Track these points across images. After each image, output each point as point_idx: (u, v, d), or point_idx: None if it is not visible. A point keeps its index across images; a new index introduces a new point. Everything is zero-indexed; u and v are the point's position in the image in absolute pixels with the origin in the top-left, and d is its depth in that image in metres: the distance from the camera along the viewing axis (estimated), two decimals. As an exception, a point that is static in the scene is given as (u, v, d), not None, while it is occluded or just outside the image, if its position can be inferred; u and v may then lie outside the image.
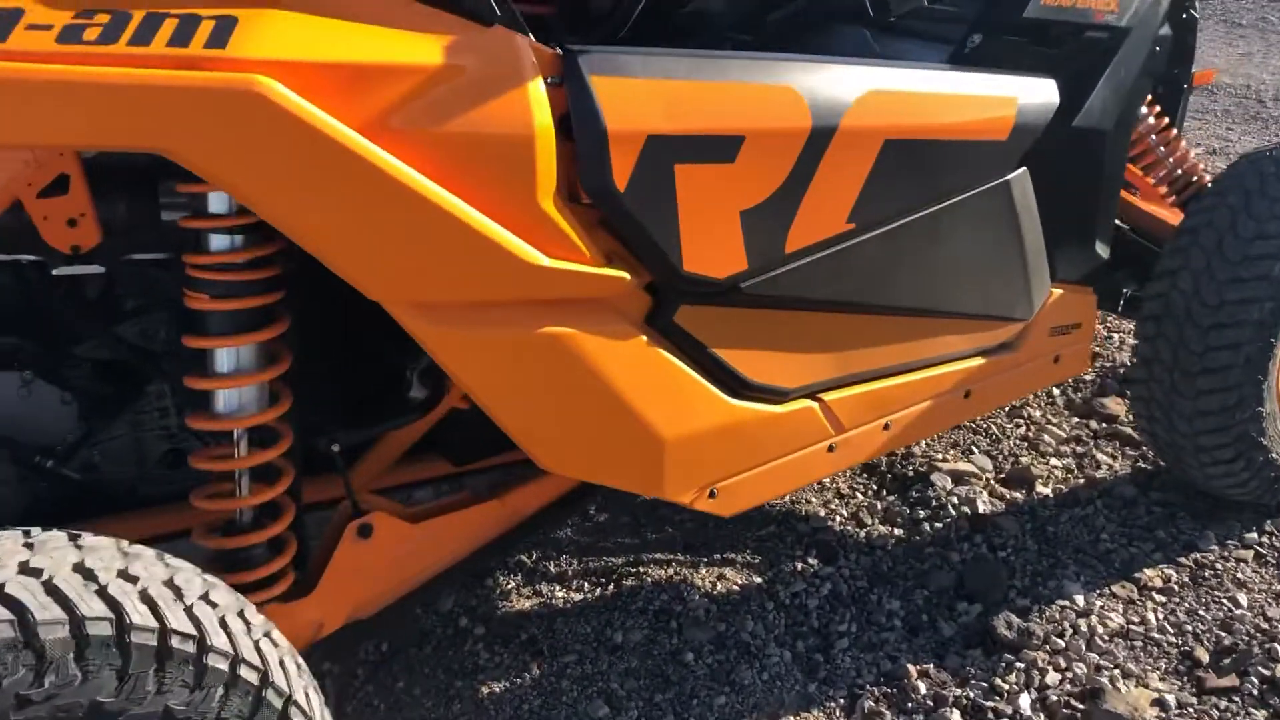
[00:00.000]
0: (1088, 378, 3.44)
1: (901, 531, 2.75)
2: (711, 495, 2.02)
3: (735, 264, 1.84)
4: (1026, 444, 3.12)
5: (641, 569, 2.62)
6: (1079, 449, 3.09)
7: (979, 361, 2.34)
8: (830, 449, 2.16)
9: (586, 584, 2.59)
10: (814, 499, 2.88)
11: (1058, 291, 2.44)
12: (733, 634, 2.41)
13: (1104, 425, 3.20)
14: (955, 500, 2.84)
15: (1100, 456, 3.05)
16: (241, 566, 1.69)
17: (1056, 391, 3.39)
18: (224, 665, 1.25)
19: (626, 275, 1.72)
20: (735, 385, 1.96)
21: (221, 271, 1.56)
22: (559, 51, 1.63)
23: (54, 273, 1.63)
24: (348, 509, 1.86)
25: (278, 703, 1.31)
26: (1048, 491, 2.89)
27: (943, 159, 2.04)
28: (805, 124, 1.83)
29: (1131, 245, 2.86)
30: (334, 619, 1.84)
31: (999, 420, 3.22)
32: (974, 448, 3.09)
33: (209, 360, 1.61)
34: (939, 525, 2.75)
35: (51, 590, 1.14)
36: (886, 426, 2.24)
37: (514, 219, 1.58)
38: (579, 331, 1.71)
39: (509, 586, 2.59)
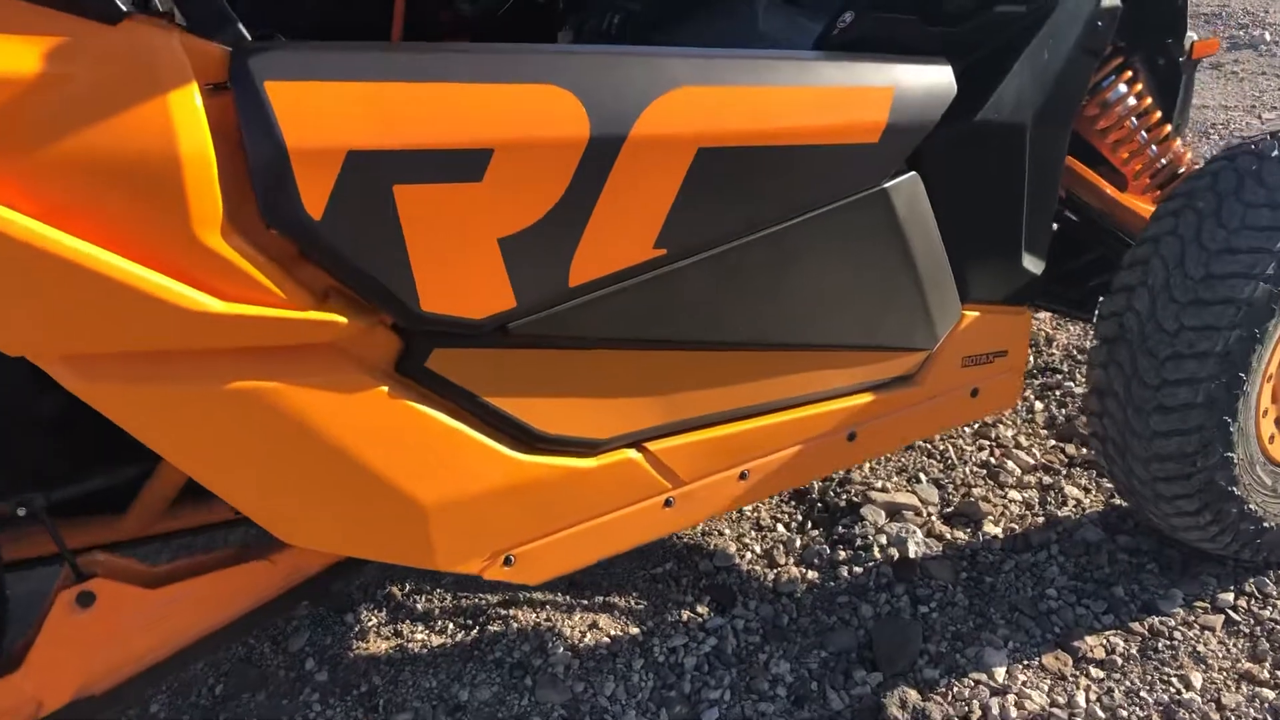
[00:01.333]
0: (1079, 390, 3.00)
1: (816, 575, 2.38)
2: (507, 563, 1.71)
3: (498, 301, 1.51)
4: (985, 471, 2.71)
5: (513, 610, 2.32)
6: (1046, 479, 2.67)
7: (865, 399, 1.96)
8: (668, 504, 1.82)
9: (451, 625, 2.31)
10: (727, 530, 2.54)
11: (972, 315, 2.03)
12: (589, 697, 2.10)
13: (1082, 452, 2.76)
14: (884, 540, 2.46)
15: (1070, 490, 2.62)
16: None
17: (1039, 407, 2.96)
18: None
19: (342, 319, 1.41)
20: (523, 438, 1.64)
21: None
22: (228, 50, 1.31)
23: None
24: (67, 573, 1.61)
25: None
26: (996, 531, 2.49)
27: (786, 168, 1.67)
28: (581, 132, 1.48)
29: (1108, 241, 2.43)
30: (55, 697, 1.60)
31: (959, 441, 2.82)
32: (922, 474, 2.69)
33: None
34: (859, 570, 2.38)
35: None
36: (743, 476, 1.89)
37: (163, 256, 1.28)
38: (293, 383, 1.42)
39: (368, 624, 2.33)
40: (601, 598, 2.35)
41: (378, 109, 1.36)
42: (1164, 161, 2.41)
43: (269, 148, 1.30)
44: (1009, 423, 2.90)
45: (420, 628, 2.31)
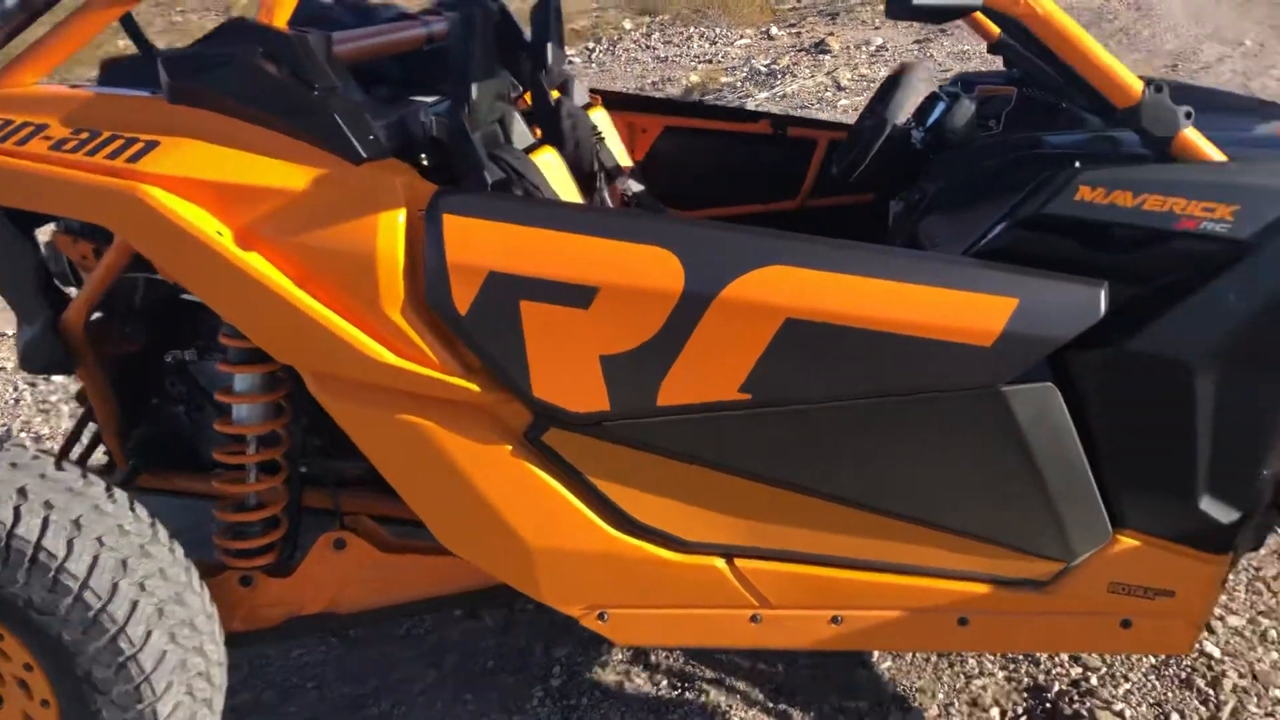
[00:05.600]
0: None
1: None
2: (601, 618, 2.00)
3: (595, 402, 1.83)
4: (1250, 737, 2.33)
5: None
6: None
7: (980, 588, 1.91)
8: (754, 619, 1.98)
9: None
10: (941, 694, 2.49)
11: (1129, 542, 1.87)
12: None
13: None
14: (1077, 757, 2.26)
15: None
16: (239, 536, 2.16)
17: None
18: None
19: (474, 386, 1.85)
20: (618, 518, 1.93)
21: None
22: (433, 189, 1.83)
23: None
24: (336, 525, 2.23)
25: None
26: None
27: (880, 352, 1.77)
28: (676, 287, 1.77)
29: None
30: (310, 604, 2.22)
31: (1248, 697, 2.43)
32: (1176, 714, 2.39)
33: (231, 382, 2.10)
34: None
35: None
36: (836, 620, 1.96)
37: (363, 320, 1.83)
38: (445, 427, 1.88)
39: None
40: None
41: (516, 244, 1.79)
42: None
43: (435, 259, 1.79)
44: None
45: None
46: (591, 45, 12.13)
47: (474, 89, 2.03)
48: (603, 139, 2.78)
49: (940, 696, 2.47)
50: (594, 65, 11.33)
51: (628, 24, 12.59)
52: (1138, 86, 1.75)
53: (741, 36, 11.29)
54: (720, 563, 1.95)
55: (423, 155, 2.12)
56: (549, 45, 2.63)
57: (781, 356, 1.78)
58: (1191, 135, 1.77)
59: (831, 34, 10.56)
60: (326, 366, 1.87)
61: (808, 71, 9.43)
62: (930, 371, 1.79)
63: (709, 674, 2.57)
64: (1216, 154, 1.78)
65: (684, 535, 1.94)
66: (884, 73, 9.26)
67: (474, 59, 2.05)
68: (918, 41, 10.11)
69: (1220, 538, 1.87)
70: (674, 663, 2.61)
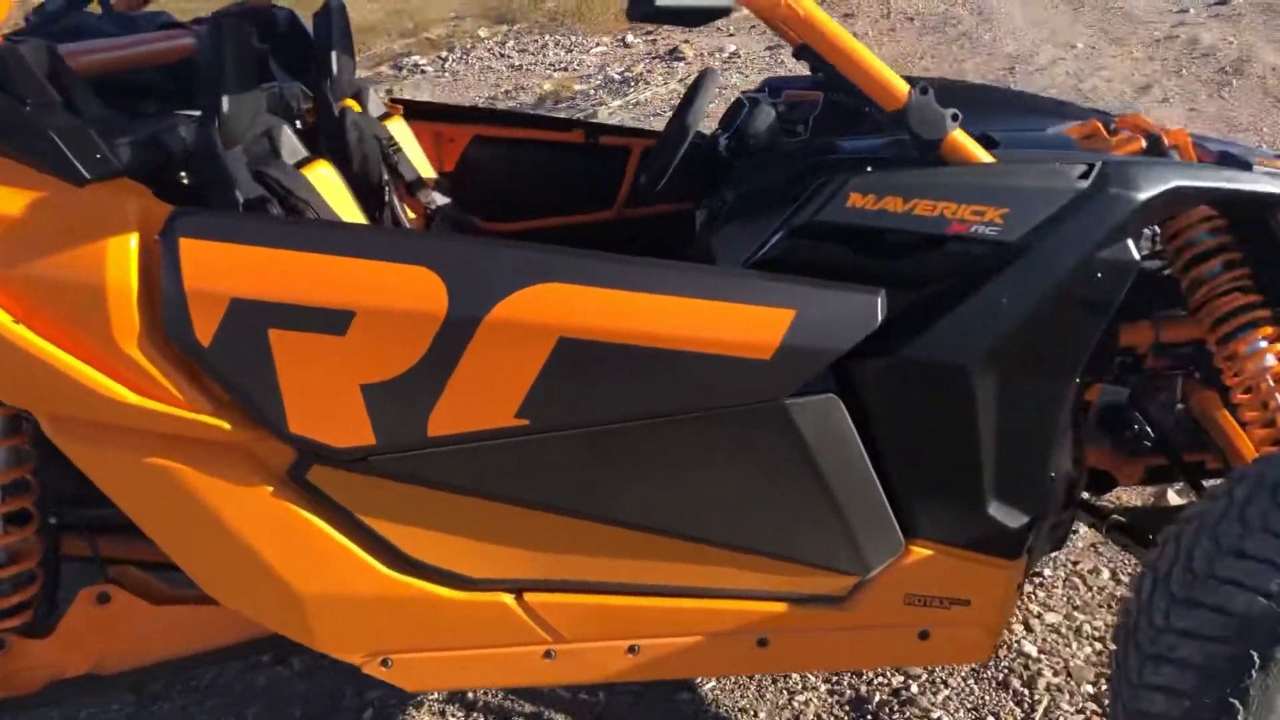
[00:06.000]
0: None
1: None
2: (385, 664, 1.88)
3: (359, 436, 1.71)
4: (1064, 736, 2.33)
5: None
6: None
7: (777, 608, 1.85)
8: (548, 655, 1.87)
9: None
10: (763, 710, 2.43)
11: (922, 552, 1.83)
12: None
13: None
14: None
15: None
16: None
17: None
18: None
19: (225, 424, 1.70)
20: (394, 558, 1.81)
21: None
22: (169, 210, 1.68)
23: None
24: (98, 576, 2.04)
25: None
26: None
27: (659, 369, 1.69)
28: (439, 309, 1.66)
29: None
30: (74, 666, 2.03)
31: (1060, 695, 2.43)
32: (993, 717, 2.38)
33: None
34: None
35: None
36: (633, 650, 1.87)
37: (97, 356, 1.66)
38: (197, 469, 1.73)
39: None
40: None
41: (262, 268, 1.65)
42: (1289, 425, 1.98)
43: (173, 286, 1.64)
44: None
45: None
46: (445, 54, 11.93)
47: (225, 101, 1.88)
48: (399, 150, 2.66)
49: (763, 714, 2.41)
50: (447, 74, 11.13)
51: (483, 32, 12.42)
52: (904, 90, 1.71)
53: (598, 44, 11.24)
54: (508, 598, 1.85)
55: (183, 174, 1.96)
56: (334, 54, 2.49)
57: (557, 378, 1.69)
58: (960, 138, 1.73)
59: (687, 41, 10.59)
60: (61, 408, 1.70)
61: (661, 79, 9.42)
62: (711, 388, 1.71)
63: (528, 708, 2.46)
64: (985, 156, 1.75)
65: (467, 572, 1.82)
66: (736, 79, 9.32)
67: (226, 69, 1.90)
68: (770, 48, 10.21)
69: (1011, 543, 1.84)
70: (491, 699, 2.49)
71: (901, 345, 1.73)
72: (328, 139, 2.40)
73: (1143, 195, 1.72)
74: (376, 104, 2.73)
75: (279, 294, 1.65)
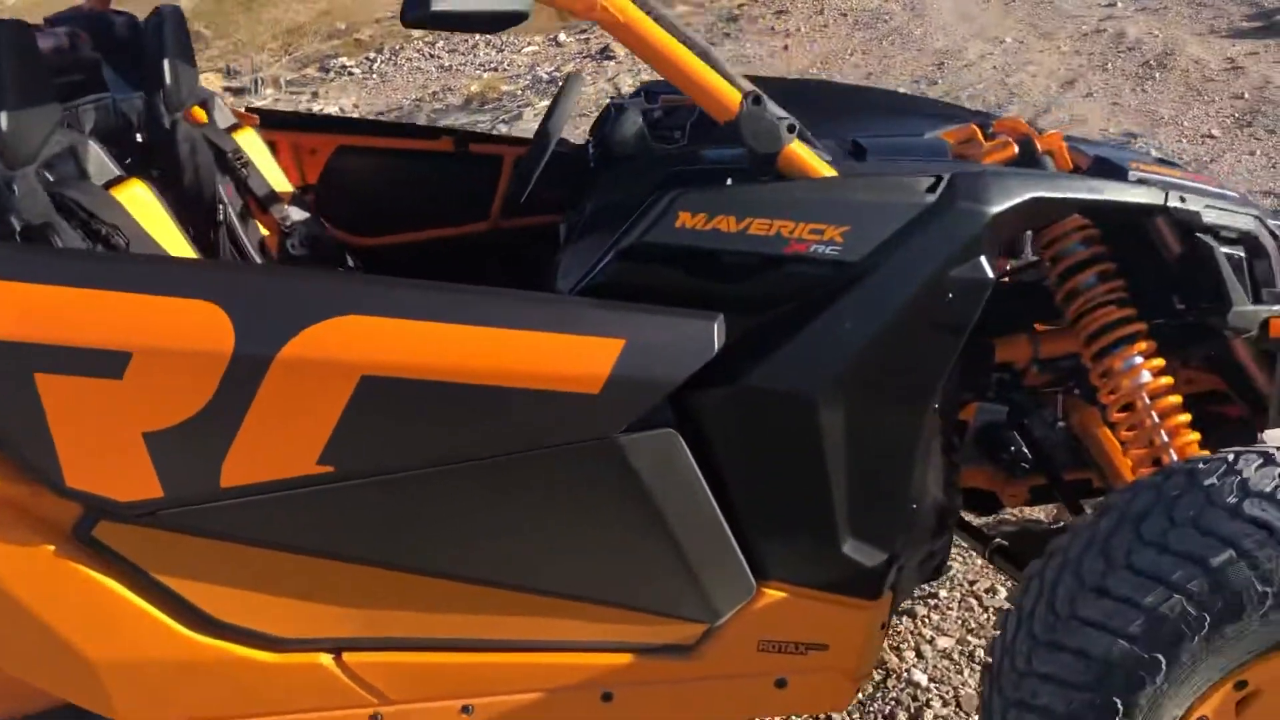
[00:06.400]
0: None
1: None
2: (199, 733, 1.72)
3: (145, 489, 1.54)
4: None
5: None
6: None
7: (622, 659, 1.71)
8: (374, 718, 1.72)
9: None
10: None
11: (775, 595, 1.70)
12: None
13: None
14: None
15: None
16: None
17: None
18: None
19: (-7, 480, 1.53)
20: (196, 619, 1.64)
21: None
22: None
23: None
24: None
25: None
26: None
27: (477, 407, 1.54)
28: (225, 348, 1.50)
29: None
30: None
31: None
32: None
33: None
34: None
35: None
36: (467, 710, 1.72)
37: None
38: (-31, 529, 1.56)
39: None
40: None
41: (26, 306, 1.48)
42: (1173, 453, 1.87)
43: None
44: None
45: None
46: (373, 55, 11.72)
47: (4, 119, 1.70)
48: (248, 164, 2.49)
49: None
50: (375, 76, 10.92)
51: (415, 32, 12.23)
52: (736, 99, 1.57)
53: (529, 44, 11.08)
54: (326, 659, 1.69)
55: None
56: (166, 63, 2.31)
57: (363, 421, 1.53)
58: (799, 150, 1.60)
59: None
60: None
61: (590, 78, 9.28)
62: (536, 426, 1.57)
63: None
64: (827, 170, 1.62)
65: (278, 632, 1.66)
66: (664, 77, 9.19)
67: (5, 82, 1.72)
68: (711, 45, 10.12)
69: (871, 582, 1.71)
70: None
71: (742, 374, 1.60)
72: (158, 153, 2.23)
73: (994, 208, 1.60)
74: (225, 114, 2.56)
75: (45, 334, 1.48)
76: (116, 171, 1.98)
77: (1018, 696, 1.57)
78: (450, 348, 1.53)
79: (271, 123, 2.75)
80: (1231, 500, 1.50)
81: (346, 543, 1.61)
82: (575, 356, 1.55)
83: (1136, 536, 1.54)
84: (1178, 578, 1.48)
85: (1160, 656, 1.48)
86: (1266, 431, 2.00)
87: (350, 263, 2.71)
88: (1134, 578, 1.51)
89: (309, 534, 1.60)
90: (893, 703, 2.34)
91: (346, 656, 1.69)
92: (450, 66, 10.84)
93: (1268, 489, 1.50)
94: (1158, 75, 6.93)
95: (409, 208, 2.81)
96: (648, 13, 1.59)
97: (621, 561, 1.66)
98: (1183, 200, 1.73)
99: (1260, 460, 1.55)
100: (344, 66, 11.25)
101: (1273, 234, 1.90)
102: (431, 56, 11.12)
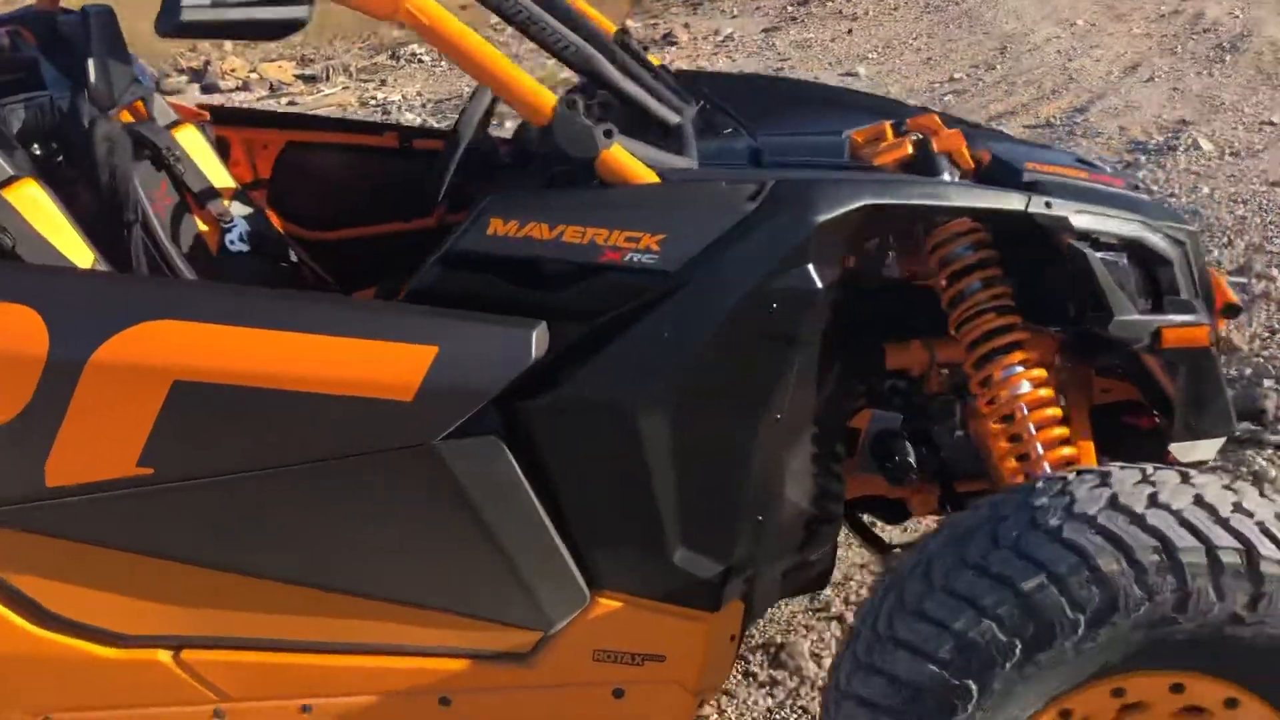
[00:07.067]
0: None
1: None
2: (48, 723, 1.77)
3: None
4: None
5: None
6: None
7: (459, 665, 1.70)
8: (217, 715, 1.75)
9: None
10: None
11: (609, 604, 1.66)
12: None
13: None
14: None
15: None
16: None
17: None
18: None
19: None
20: (37, 614, 1.68)
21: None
22: None
23: None
24: None
25: None
26: None
27: (290, 413, 1.54)
28: (40, 351, 1.53)
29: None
30: None
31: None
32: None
33: None
34: None
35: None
36: (306, 710, 1.73)
37: None
38: None
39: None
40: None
41: None
42: (1046, 465, 1.78)
43: None
44: None
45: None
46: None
47: None
48: (181, 159, 2.53)
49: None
50: (444, 63, 11.04)
51: (490, 18, 12.37)
52: (550, 103, 1.54)
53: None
54: (165, 656, 1.71)
55: None
56: (90, 62, 2.36)
57: (177, 425, 1.55)
58: (617, 155, 1.55)
59: (686, 25, 10.39)
60: None
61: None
62: (350, 432, 1.56)
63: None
64: (647, 176, 1.57)
65: (118, 628, 1.69)
66: (722, 64, 9.09)
67: None
68: (765, 30, 9.97)
69: (707, 593, 1.67)
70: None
71: (564, 383, 1.57)
72: (74, 152, 2.28)
73: (819, 216, 1.53)
74: (165, 111, 2.61)
75: None
76: (10, 172, 2.03)
77: (838, 712, 1.52)
78: (260, 353, 1.54)
79: (223, 118, 2.79)
80: (1054, 523, 1.42)
81: (172, 544, 1.64)
82: (387, 363, 1.54)
83: (959, 558, 1.47)
84: (989, 602, 1.40)
85: (970, 683, 1.41)
86: (1171, 445, 1.89)
87: (295, 258, 2.74)
88: (949, 600, 1.44)
89: (136, 534, 1.63)
90: (800, 710, 2.28)
91: (185, 654, 1.72)
92: (518, 55, 10.90)
93: (1090, 511, 1.41)
94: (1228, 59, 6.58)
95: (357, 203, 2.83)
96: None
97: (450, 567, 1.65)
98: (1048, 205, 1.64)
99: (1095, 481, 1.47)
100: (414, 54, 11.40)
101: (1179, 242, 1.79)
102: (501, 44, 11.20)
